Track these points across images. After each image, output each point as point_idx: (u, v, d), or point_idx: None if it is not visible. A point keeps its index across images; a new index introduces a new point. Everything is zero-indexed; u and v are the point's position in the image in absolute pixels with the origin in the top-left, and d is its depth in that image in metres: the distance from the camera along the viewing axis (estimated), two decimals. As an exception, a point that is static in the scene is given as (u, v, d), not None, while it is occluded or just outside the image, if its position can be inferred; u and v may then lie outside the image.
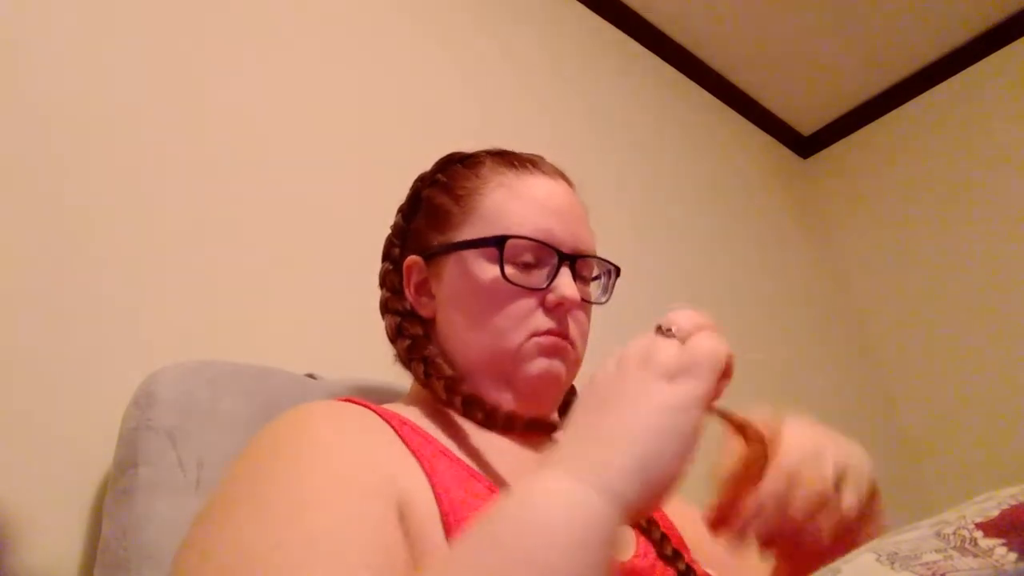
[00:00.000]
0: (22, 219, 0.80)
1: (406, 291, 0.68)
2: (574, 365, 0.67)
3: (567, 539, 0.34)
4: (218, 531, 0.42)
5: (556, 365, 0.63)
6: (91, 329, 0.80)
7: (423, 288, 0.68)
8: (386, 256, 0.72)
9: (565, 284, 0.64)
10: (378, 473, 0.48)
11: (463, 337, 0.64)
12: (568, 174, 0.74)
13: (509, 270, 0.63)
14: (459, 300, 0.65)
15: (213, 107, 1.03)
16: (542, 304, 0.63)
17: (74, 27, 0.93)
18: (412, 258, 0.68)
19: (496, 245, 0.63)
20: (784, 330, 1.94)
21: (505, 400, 0.63)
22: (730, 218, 2.00)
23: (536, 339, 0.63)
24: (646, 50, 2.02)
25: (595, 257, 0.70)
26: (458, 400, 0.58)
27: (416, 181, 0.74)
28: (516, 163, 0.70)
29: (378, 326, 0.71)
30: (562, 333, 0.64)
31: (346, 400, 0.58)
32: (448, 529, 0.47)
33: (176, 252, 0.91)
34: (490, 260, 0.64)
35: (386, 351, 0.70)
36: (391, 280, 0.70)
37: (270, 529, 0.40)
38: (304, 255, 1.03)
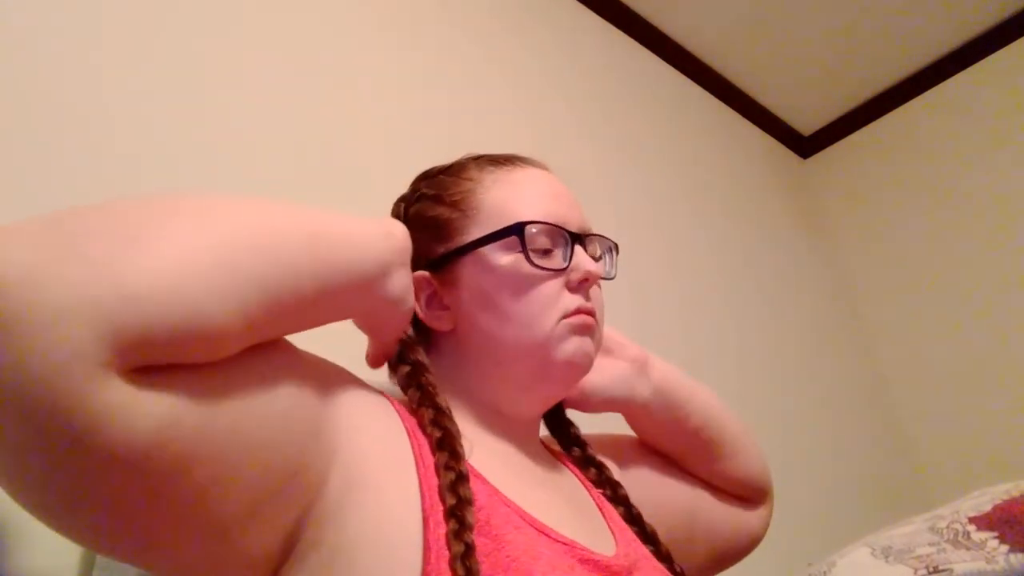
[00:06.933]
0: (22, 217, 0.80)
1: (416, 308, 0.65)
2: (599, 343, 0.68)
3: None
4: None
5: (587, 344, 0.65)
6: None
7: (434, 302, 0.67)
8: None
9: (585, 260, 0.65)
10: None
11: (492, 334, 0.64)
12: (565, 176, 0.74)
13: (531, 255, 0.63)
14: (483, 298, 0.64)
15: (214, 108, 1.04)
16: (565, 285, 0.65)
17: (76, 28, 0.94)
18: (419, 274, 0.66)
19: (516, 233, 0.63)
20: (784, 330, 1.94)
21: (537, 391, 0.66)
22: (730, 218, 2.00)
23: (566, 321, 0.63)
24: (646, 50, 2.02)
25: (599, 235, 0.71)
26: (436, 434, 0.55)
27: (397, 203, 0.73)
28: (500, 160, 0.71)
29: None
30: (590, 311, 0.65)
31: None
32: (426, 516, 0.48)
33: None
34: (509, 251, 0.64)
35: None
36: None
37: None
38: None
